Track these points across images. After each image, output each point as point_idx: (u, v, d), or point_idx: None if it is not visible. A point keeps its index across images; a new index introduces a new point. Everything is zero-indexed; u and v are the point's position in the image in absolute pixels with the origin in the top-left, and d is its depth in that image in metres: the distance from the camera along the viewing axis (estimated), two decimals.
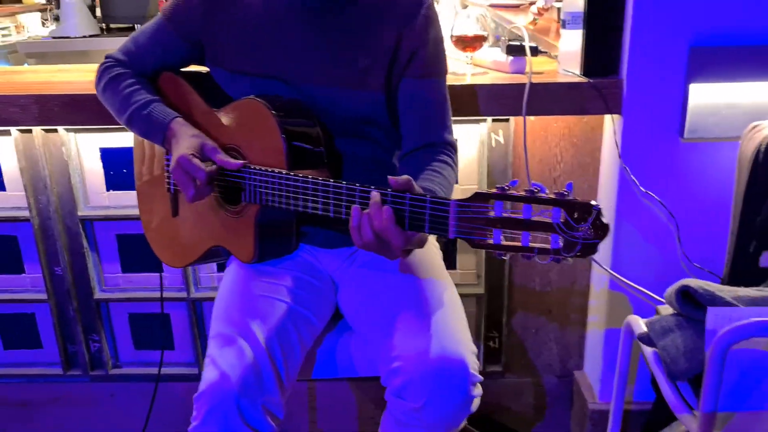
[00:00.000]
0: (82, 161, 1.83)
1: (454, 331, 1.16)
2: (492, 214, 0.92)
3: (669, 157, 1.62)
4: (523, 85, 1.61)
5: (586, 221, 0.85)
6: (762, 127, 1.47)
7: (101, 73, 1.38)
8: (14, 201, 1.86)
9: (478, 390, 1.15)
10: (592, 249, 0.87)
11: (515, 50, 1.72)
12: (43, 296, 1.93)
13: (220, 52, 1.32)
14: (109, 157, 1.81)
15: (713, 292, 1.08)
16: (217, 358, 1.15)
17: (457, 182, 1.47)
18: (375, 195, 1.03)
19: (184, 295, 1.93)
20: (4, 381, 2.02)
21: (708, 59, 1.55)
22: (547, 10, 1.96)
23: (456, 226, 0.95)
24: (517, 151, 1.79)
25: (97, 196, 1.85)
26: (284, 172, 1.16)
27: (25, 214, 1.85)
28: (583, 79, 1.61)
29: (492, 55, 1.80)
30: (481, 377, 1.16)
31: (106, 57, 1.40)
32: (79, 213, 1.85)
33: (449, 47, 1.76)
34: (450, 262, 1.91)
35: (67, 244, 1.88)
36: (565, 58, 1.70)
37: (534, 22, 1.98)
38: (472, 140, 1.80)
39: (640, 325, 1.22)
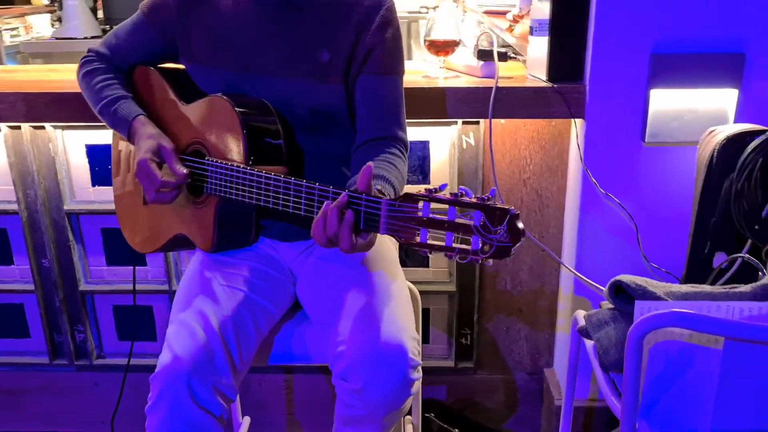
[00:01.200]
0: (68, 157, 1.90)
1: (396, 318, 1.21)
2: (420, 214, 0.97)
3: (630, 161, 1.67)
4: (490, 88, 1.66)
5: (502, 225, 0.91)
6: (717, 132, 1.52)
7: (80, 66, 1.46)
8: (3, 195, 1.93)
9: (417, 374, 1.20)
10: (506, 251, 0.92)
11: (486, 55, 1.78)
12: (31, 287, 2.00)
13: (192, 47, 1.40)
14: (94, 153, 1.89)
15: (645, 287, 1.13)
16: (172, 341, 1.22)
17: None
18: (342, 198, 1.06)
19: (166, 288, 2.00)
20: None
21: (668, 66, 1.60)
22: (522, 17, 2.02)
23: (386, 224, 1.01)
24: (487, 153, 1.84)
25: (83, 191, 1.93)
26: (242, 166, 1.23)
27: (14, 207, 1.92)
28: (548, 84, 1.67)
29: (465, 59, 1.86)
30: (419, 361, 1.21)
31: (88, 50, 1.47)
32: (66, 207, 1.93)
33: (425, 52, 1.83)
34: (423, 260, 1.97)
35: (54, 237, 1.96)
36: (532, 63, 1.76)
37: (510, 28, 2.04)
38: (443, 142, 1.85)
39: (581, 318, 1.27)
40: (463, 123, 1.82)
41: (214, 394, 1.20)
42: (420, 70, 1.87)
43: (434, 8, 3.10)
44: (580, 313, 1.32)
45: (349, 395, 1.19)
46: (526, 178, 1.87)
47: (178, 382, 1.17)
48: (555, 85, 1.66)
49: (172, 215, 1.39)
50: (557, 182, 1.86)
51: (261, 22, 1.36)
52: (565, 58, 1.67)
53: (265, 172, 1.19)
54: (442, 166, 1.87)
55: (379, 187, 1.12)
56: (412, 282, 1.88)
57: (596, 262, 1.75)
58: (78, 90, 1.51)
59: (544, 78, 1.69)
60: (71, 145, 1.89)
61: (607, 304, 1.25)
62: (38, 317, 2.04)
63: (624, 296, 1.17)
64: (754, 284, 1.18)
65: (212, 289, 1.31)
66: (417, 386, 1.21)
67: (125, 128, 1.35)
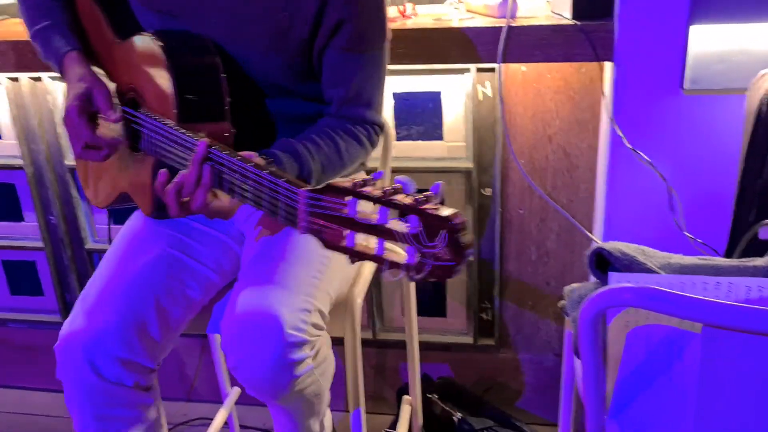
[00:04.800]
0: None
1: (283, 283, 1.04)
2: (346, 211, 0.75)
3: (666, 112, 1.42)
4: (501, 28, 1.45)
5: (441, 237, 0.67)
6: None
7: None
8: (10, 149, 1.89)
9: (302, 352, 1.02)
10: (447, 272, 0.68)
11: None
12: (41, 244, 1.97)
13: None
14: None
15: (633, 257, 0.91)
16: (78, 308, 1.12)
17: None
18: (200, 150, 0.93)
19: None
20: (11, 325, 2.09)
21: None
22: None
23: (307, 221, 0.80)
24: (508, 105, 1.63)
25: None
26: (169, 124, 1.05)
27: (20, 162, 1.88)
28: (571, 23, 1.43)
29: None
30: (308, 337, 1.02)
31: None
32: (67, 162, 1.86)
33: None
34: None
35: (59, 192, 1.90)
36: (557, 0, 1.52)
37: None
38: (456, 93, 1.65)
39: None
40: (479, 71, 1.61)
41: (122, 366, 1.08)
42: (435, 12, 1.67)
43: None
44: (568, 288, 1.10)
45: (234, 373, 1.05)
46: (552, 133, 1.64)
47: (75, 354, 1.07)
48: (578, 23, 1.42)
49: (119, 171, 1.25)
50: (588, 139, 1.62)
51: None
52: None
53: (188, 134, 1.00)
54: (456, 121, 1.67)
55: (273, 168, 0.93)
56: None
57: (626, 231, 1.51)
58: None
59: (569, 15, 1.45)
60: None
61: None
62: (49, 275, 2.01)
63: (608, 267, 0.96)
64: None
65: (140, 250, 1.18)
66: (303, 367, 1.03)
67: (57, 64, 1.20)
